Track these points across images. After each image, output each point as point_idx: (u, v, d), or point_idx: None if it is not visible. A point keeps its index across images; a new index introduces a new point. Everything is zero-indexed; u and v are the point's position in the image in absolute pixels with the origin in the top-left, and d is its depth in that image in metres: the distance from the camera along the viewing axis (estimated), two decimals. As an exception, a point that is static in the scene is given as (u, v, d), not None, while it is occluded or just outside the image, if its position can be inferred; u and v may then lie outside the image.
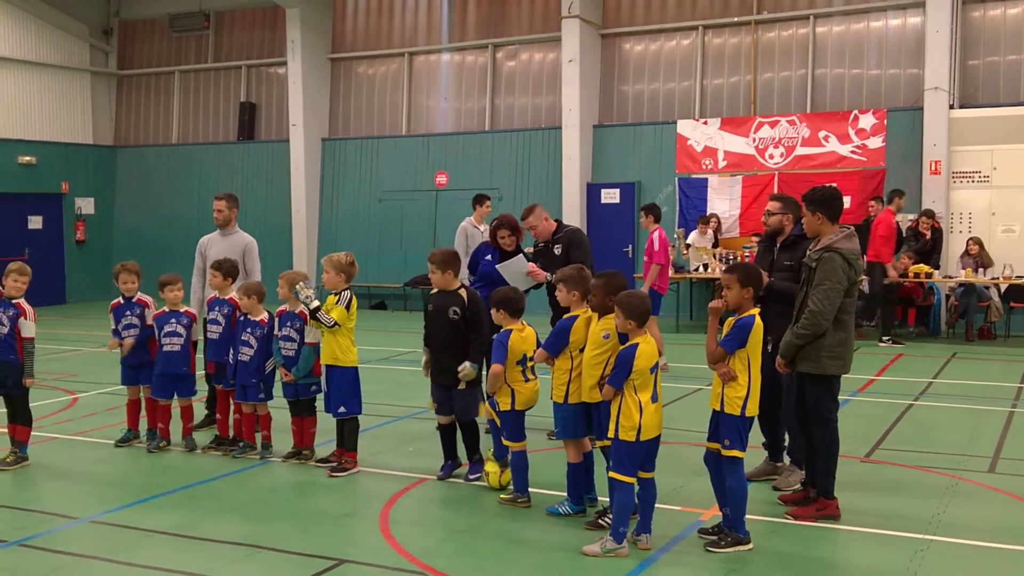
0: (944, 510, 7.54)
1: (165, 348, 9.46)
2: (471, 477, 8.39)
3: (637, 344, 6.57)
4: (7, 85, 24.47)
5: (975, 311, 17.23)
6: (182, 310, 9.62)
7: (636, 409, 6.50)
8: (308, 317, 8.61)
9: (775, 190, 19.11)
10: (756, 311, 6.71)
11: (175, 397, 9.61)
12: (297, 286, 8.59)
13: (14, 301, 8.87)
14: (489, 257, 10.07)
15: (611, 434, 6.61)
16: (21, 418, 9.00)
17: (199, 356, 9.75)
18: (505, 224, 9.76)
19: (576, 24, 20.96)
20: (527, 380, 7.65)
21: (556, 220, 9.84)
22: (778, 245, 8.21)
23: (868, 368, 13.80)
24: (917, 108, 18.72)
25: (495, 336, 7.73)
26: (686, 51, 21.32)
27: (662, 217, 14.39)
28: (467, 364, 8.13)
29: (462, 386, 8.18)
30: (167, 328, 9.47)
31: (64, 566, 6.51)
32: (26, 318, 8.84)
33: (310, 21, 23.91)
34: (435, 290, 8.44)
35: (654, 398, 6.60)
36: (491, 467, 8.10)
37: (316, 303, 8.49)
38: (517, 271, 9.56)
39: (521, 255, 9.64)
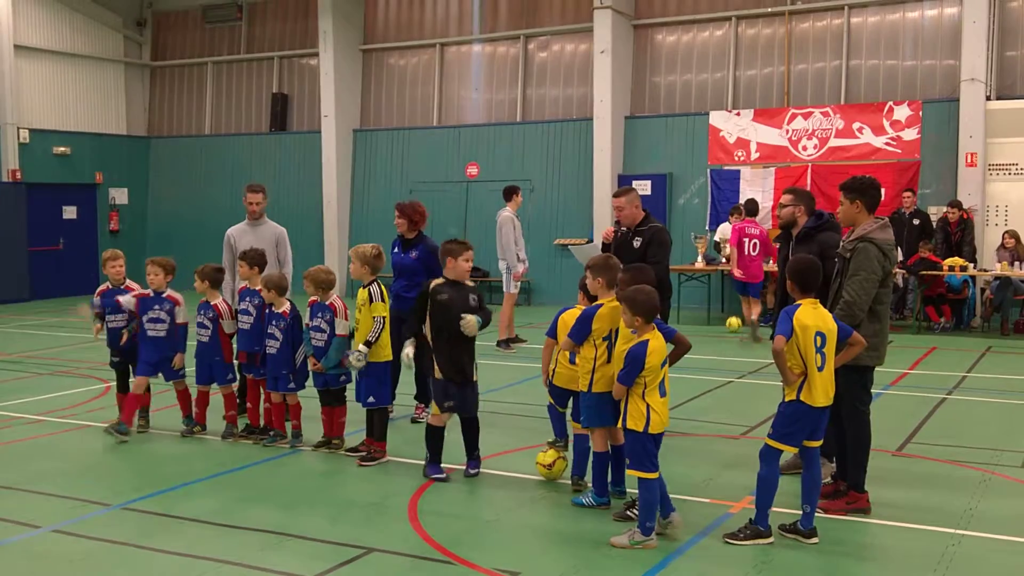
0: (976, 504, 7.47)
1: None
2: (471, 472, 8.29)
3: (648, 340, 6.55)
4: (42, 76, 24.64)
5: (1011, 305, 17.03)
6: (165, 295, 9.64)
7: (643, 403, 6.52)
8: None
9: (808, 182, 19.03)
10: (808, 302, 6.60)
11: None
12: (349, 360, 8.53)
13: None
14: (396, 249, 10.24)
15: (620, 425, 6.70)
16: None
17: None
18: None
19: (608, 15, 20.85)
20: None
21: (645, 210, 9.76)
22: (793, 238, 8.19)
23: (901, 362, 13.67)
24: (953, 99, 18.52)
25: (556, 311, 7.84)
26: (719, 42, 21.19)
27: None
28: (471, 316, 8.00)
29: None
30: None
31: (95, 552, 6.56)
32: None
33: (342, 12, 23.94)
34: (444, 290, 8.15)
35: (663, 392, 6.60)
36: (549, 456, 7.97)
37: (365, 348, 8.44)
38: (588, 256, 9.67)
39: (593, 243, 9.67)
